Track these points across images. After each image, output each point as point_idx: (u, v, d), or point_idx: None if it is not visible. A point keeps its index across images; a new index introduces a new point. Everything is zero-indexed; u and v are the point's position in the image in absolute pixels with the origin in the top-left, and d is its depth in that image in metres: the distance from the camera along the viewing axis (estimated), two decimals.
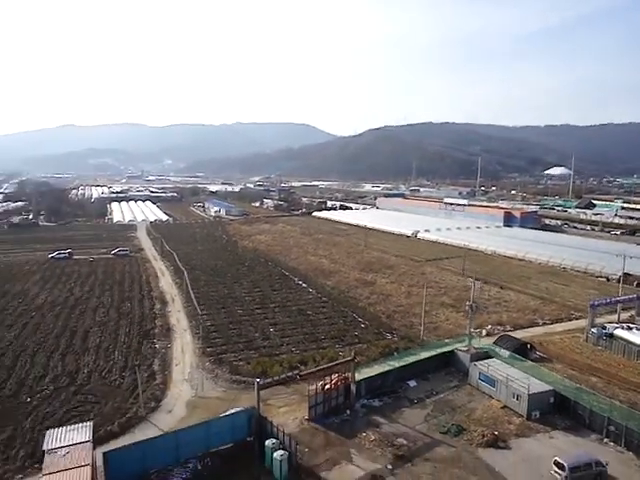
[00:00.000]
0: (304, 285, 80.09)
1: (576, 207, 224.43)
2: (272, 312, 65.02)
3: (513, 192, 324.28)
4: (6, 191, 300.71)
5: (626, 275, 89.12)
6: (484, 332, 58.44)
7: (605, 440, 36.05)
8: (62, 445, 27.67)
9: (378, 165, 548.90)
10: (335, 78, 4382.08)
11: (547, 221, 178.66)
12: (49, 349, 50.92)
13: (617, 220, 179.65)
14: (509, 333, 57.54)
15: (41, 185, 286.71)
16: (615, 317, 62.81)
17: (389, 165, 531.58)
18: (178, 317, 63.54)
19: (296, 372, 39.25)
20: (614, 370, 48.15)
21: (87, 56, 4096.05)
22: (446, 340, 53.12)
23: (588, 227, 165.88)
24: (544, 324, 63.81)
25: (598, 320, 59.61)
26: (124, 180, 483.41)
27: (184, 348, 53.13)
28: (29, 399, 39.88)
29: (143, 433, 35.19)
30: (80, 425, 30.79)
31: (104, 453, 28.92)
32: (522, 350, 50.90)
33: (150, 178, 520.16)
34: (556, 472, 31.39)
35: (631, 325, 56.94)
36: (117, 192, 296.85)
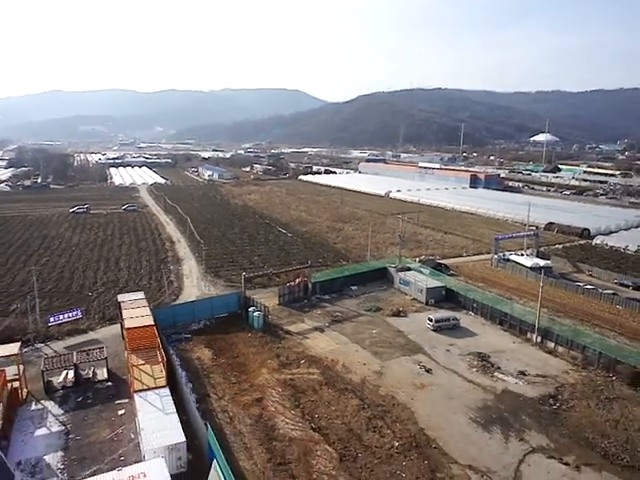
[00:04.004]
0: (284, 231, 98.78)
1: (543, 171, 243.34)
2: (257, 247, 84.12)
3: (492, 158, 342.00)
4: (6, 157, 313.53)
5: (551, 224, 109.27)
6: (417, 259, 77.65)
7: (470, 313, 55.80)
8: (130, 299, 46.67)
9: (367, 132, 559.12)
10: (327, 43, 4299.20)
11: (510, 183, 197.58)
12: (93, 268, 69.94)
13: (573, 182, 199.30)
14: (438, 260, 76.79)
15: (39, 152, 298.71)
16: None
17: (378, 131, 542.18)
18: (185, 251, 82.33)
19: (270, 271, 58.26)
20: (499, 280, 67.96)
21: (74, 17, 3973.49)
22: (383, 261, 72.25)
23: (544, 188, 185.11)
24: (467, 255, 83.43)
25: None
26: (116, 147, 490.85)
27: (191, 270, 72.01)
28: (90, 293, 58.90)
29: None
30: (136, 292, 49.83)
31: (151, 308, 47.72)
32: (438, 268, 70.58)
33: (142, 145, 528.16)
34: (428, 324, 51.09)
35: (523, 253, 76.61)
36: (114, 158, 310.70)
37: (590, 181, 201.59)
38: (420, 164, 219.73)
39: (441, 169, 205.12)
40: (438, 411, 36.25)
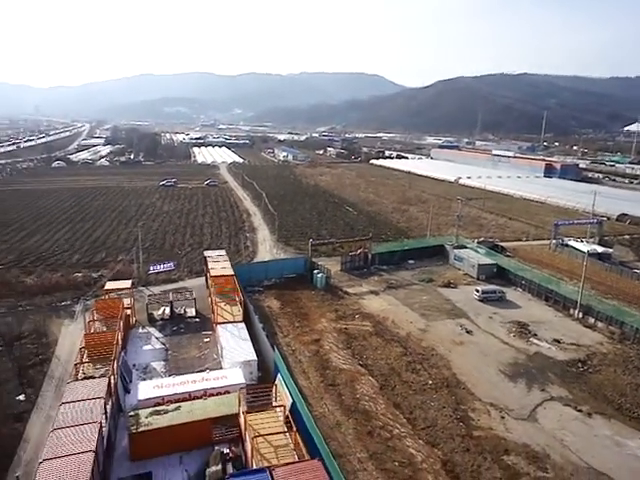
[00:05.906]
0: (351, 209, 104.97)
1: (629, 163, 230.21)
2: (325, 223, 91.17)
3: (575, 148, 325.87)
4: (103, 135, 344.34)
5: (623, 215, 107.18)
6: (475, 240, 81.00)
7: (517, 289, 59.35)
8: (214, 255, 55.40)
9: (445, 117, 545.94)
10: (410, 27, 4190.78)
11: (590, 174, 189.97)
12: (181, 232, 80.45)
13: None
14: (496, 242, 79.72)
15: (132, 131, 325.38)
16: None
17: (456, 117, 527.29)
18: (259, 222, 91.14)
19: (334, 239, 64.97)
20: (553, 263, 70.08)
21: (164, 4, 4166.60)
22: (441, 239, 76.56)
23: (627, 180, 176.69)
24: (526, 240, 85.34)
25: None
26: (198, 128, 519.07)
27: (265, 238, 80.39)
28: (179, 252, 68.83)
29: None
30: (219, 250, 58.60)
31: (231, 264, 56.03)
32: (495, 249, 73.87)
33: (221, 127, 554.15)
34: (475, 294, 55.55)
35: (582, 239, 77.61)
36: (196, 138, 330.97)
37: None
38: (493, 152, 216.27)
39: (515, 157, 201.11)
40: (472, 363, 41.31)
